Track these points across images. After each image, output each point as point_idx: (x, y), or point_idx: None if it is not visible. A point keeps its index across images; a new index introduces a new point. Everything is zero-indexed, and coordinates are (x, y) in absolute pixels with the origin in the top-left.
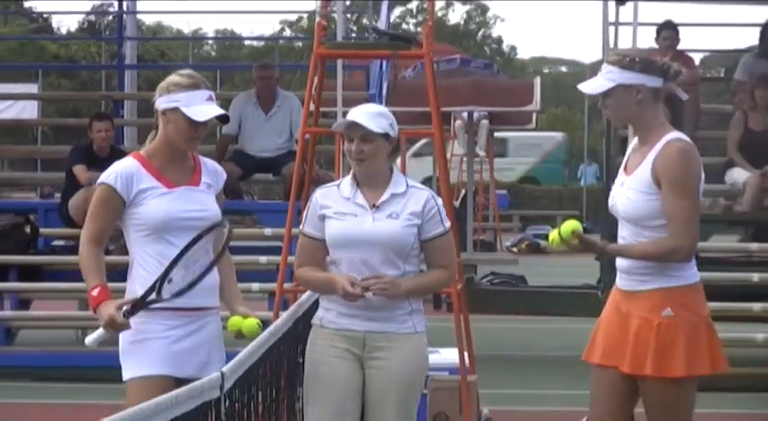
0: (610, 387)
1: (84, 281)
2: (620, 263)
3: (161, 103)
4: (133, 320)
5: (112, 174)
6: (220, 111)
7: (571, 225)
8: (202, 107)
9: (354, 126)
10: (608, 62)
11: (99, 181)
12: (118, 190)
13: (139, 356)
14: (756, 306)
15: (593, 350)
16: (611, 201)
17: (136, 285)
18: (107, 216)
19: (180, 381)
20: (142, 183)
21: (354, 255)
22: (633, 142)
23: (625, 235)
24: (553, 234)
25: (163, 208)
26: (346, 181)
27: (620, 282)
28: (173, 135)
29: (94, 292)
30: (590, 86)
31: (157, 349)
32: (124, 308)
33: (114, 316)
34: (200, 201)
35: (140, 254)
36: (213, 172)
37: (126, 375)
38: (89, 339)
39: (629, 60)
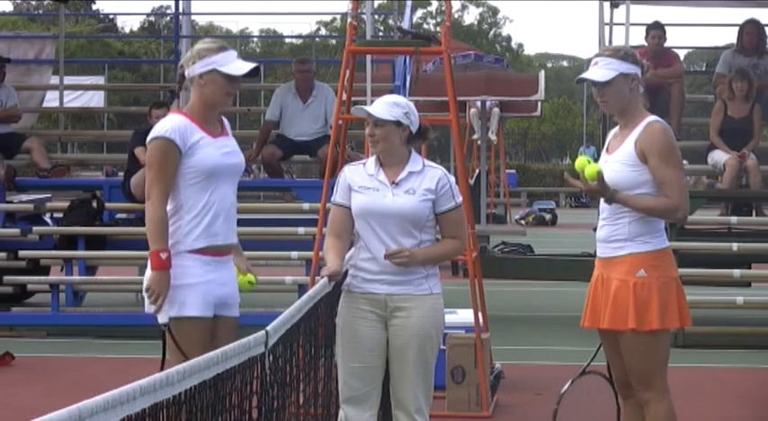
0: (616, 349)
1: (152, 239)
2: (600, 234)
3: (196, 69)
4: (173, 262)
5: (168, 128)
6: (253, 65)
7: (595, 167)
8: (236, 63)
9: (368, 113)
10: (606, 55)
11: (152, 137)
12: (177, 142)
13: (184, 298)
14: (736, 272)
15: (585, 316)
16: None
17: (182, 228)
18: (171, 169)
19: (216, 318)
20: (194, 135)
21: (375, 226)
22: (614, 129)
23: (604, 205)
24: (583, 162)
25: (214, 155)
26: (371, 160)
27: (600, 251)
28: (211, 95)
29: (163, 256)
30: (596, 75)
31: (202, 293)
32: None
33: (162, 295)
34: (236, 148)
35: (189, 199)
36: (228, 124)
37: (172, 313)
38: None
39: (624, 53)
